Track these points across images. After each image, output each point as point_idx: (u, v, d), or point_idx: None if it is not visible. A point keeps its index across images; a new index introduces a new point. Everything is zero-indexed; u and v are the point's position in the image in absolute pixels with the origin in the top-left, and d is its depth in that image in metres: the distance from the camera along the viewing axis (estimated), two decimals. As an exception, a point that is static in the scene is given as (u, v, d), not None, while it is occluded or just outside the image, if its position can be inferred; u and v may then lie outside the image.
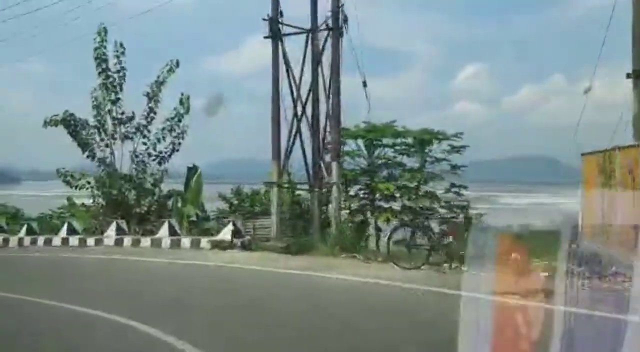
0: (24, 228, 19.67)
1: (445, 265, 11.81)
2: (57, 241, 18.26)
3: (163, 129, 20.23)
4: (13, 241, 18.85)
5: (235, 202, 21.82)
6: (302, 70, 16.55)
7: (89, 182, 20.07)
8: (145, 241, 16.85)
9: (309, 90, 16.65)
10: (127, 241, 17.00)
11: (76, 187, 20.58)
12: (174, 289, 10.66)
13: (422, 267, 11.84)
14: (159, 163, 20.55)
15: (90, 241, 17.59)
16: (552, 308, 3.33)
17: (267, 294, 10.18)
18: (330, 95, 16.07)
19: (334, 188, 15.70)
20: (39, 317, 8.49)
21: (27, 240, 18.66)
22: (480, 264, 3.34)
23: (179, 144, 20.63)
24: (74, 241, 17.90)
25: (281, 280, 11.67)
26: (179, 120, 20.30)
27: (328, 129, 16.46)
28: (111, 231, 17.58)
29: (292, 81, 16.67)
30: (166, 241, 16.45)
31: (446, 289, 9.16)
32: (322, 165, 16.52)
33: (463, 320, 3.25)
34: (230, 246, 15.48)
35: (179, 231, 17.36)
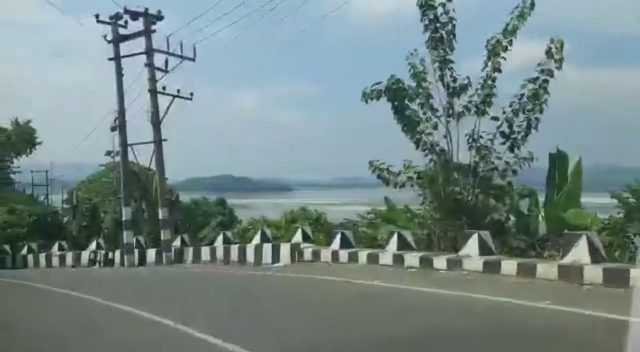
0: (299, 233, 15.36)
1: None
2: (386, 257, 12.66)
3: (521, 96, 13.48)
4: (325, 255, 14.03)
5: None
6: None
7: (418, 176, 14.25)
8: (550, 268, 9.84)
9: None
10: (508, 266, 10.30)
11: (396, 184, 14.97)
12: None
13: None
14: (511, 148, 13.87)
15: (440, 262, 11.46)
16: None
17: None
18: None
19: None
20: None
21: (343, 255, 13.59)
22: None
23: (537, 120, 13.74)
24: (411, 259, 12.06)
25: None
26: (545, 83, 13.33)
27: None
28: (471, 249, 11.18)
29: None
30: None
31: None
32: None
33: None
34: None
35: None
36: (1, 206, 39.55)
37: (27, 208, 29.38)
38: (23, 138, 69.69)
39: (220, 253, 18.62)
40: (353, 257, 13.45)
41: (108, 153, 46.73)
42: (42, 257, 24.14)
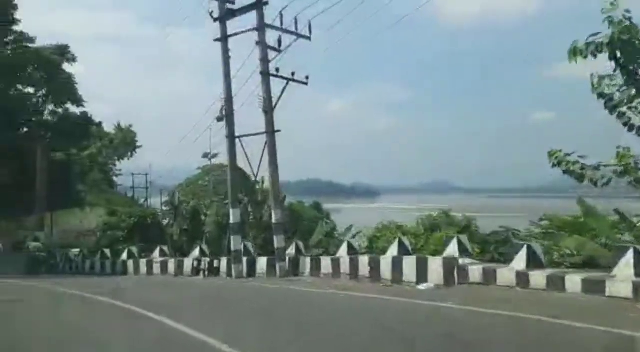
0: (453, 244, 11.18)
1: None
2: (619, 286, 8.59)
3: None
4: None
5: None
6: None
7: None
8: None
9: None
10: None
11: (594, 182, 10.81)
12: None
13: None
14: None
15: None
16: None
17: None
18: None
19: None
20: None
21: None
22: None
23: None
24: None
25: None
26: None
27: None
28: None
29: None
30: None
31: None
32: None
33: None
34: None
35: None
36: (103, 208, 38.89)
37: (127, 210, 27.68)
38: (125, 142, 70.79)
39: (345, 265, 15.21)
40: (555, 283, 9.47)
41: (205, 155, 45.45)
42: (142, 263, 21.85)
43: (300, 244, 17.53)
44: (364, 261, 14.76)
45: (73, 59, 48.56)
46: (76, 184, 53.32)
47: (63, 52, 47.79)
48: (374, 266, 14.36)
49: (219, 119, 18.00)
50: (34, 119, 47.62)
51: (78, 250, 29.30)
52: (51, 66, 46.72)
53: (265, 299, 12.34)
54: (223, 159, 42.89)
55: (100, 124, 62.82)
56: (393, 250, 14.19)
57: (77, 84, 48.07)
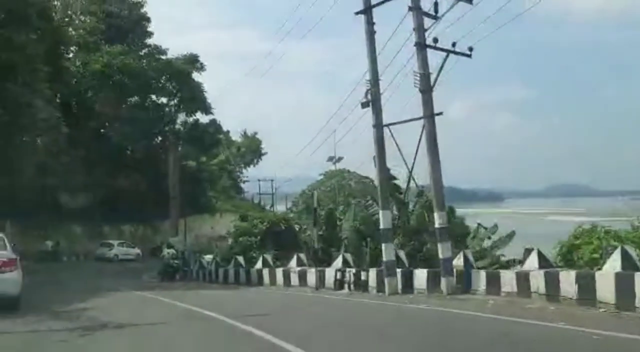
0: None
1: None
2: None
3: None
4: None
5: None
6: None
7: None
8: None
9: None
10: None
11: None
12: None
13: None
14: None
15: None
16: None
17: None
18: None
19: None
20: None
21: None
22: None
23: None
24: None
25: None
26: None
27: None
28: None
29: None
30: None
31: None
32: None
33: None
34: None
35: None
36: (233, 214, 38.12)
37: (258, 214, 25.93)
38: (251, 149, 71.27)
39: (538, 282, 11.54)
40: None
41: (330, 159, 43.48)
42: (279, 273, 19.53)
43: (469, 254, 14.09)
44: (567, 277, 11.00)
45: (202, 68, 48.88)
46: (207, 190, 53.98)
47: (192, 61, 48.21)
48: (584, 284, 10.58)
49: (364, 105, 15.11)
50: (167, 128, 48.47)
51: (211, 256, 28.11)
52: (182, 76, 47.29)
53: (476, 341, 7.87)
54: (346, 163, 41.46)
55: (228, 132, 63.33)
56: (614, 263, 10.34)
57: (206, 92, 48.31)
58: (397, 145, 14.53)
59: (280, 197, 54.69)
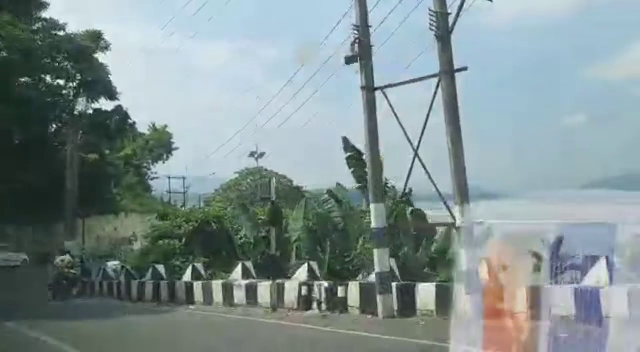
0: None
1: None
2: None
3: None
4: None
5: None
6: None
7: None
8: None
9: None
10: None
11: None
12: None
13: None
14: None
15: None
16: None
17: None
18: None
19: None
20: None
21: None
22: None
23: None
24: None
25: None
26: None
27: None
28: None
29: None
30: None
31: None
32: None
33: None
34: None
35: None
36: (141, 214, 32.54)
37: (184, 212, 21.01)
38: (160, 143, 64.55)
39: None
40: None
41: (252, 154, 39.21)
42: (217, 287, 14.66)
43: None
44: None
45: (106, 47, 42.36)
46: (110, 187, 47.32)
47: (95, 38, 41.63)
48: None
49: (349, 60, 10.99)
50: (64, 114, 41.54)
51: (117, 263, 22.71)
52: (83, 55, 40.57)
53: None
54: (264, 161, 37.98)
55: (134, 124, 56.52)
56: None
57: (111, 75, 41.88)
58: (394, 112, 10.50)
59: (192, 198, 49.60)
